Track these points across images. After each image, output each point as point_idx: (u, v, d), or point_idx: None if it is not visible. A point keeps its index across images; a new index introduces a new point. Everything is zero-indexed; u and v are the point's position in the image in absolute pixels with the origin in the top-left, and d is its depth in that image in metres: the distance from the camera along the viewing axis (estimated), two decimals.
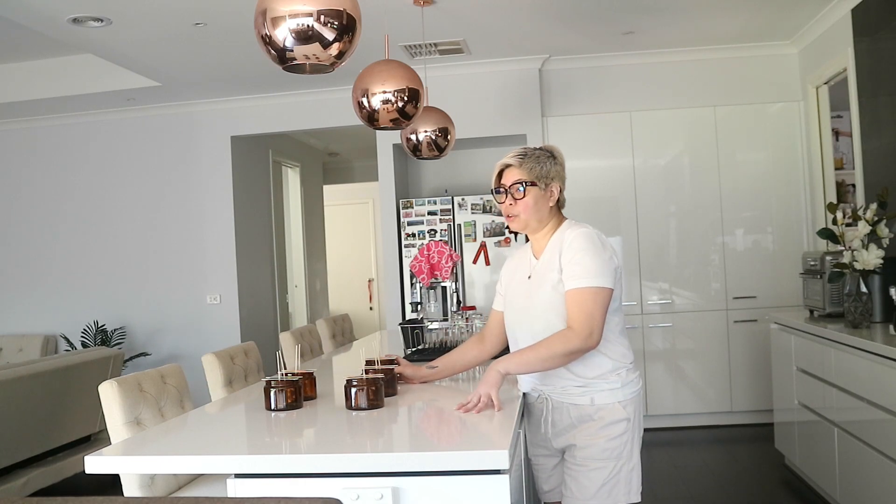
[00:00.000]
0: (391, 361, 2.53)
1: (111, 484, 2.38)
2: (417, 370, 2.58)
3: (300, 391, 2.29)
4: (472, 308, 3.75)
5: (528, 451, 2.39)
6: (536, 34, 4.99)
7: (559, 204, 2.30)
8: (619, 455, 2.15)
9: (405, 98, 3.08)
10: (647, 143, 5.51)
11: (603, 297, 2.11)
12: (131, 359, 6.02)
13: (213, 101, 6.16)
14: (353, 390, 2.19)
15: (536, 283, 2.25)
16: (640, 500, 2.19)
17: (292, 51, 2.16)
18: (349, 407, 2.20)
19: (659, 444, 4.97)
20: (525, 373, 2.22)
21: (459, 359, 2.58)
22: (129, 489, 2.25)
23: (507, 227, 5.68)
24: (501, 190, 2.28)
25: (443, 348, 3.17)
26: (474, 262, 5.69)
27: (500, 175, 2.30)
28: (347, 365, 3.44)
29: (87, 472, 1.83)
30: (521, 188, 2.23)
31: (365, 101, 3.08)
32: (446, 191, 6.16)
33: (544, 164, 2.25)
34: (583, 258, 2.13)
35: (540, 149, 2.30)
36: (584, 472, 2.16)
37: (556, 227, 2.28)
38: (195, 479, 2.48)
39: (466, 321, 3.34)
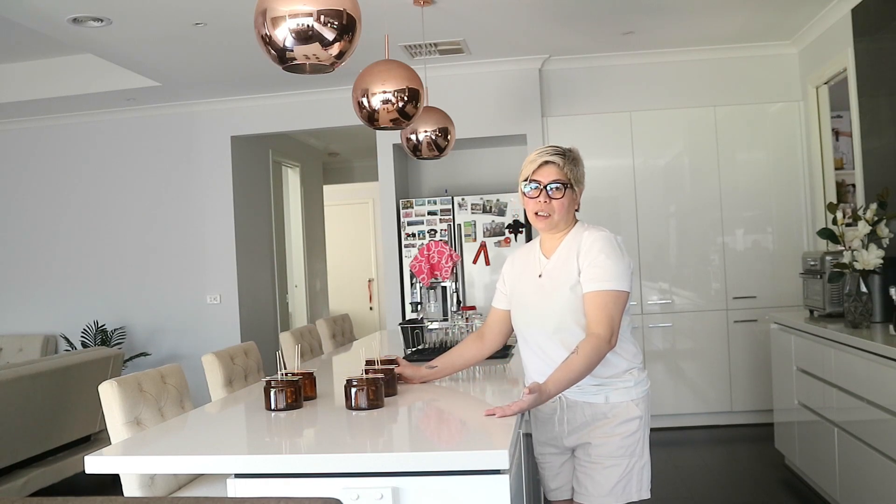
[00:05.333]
0: (391, 361, 2.53)
1: (111, 484, 2.38)
2: (417, 370, 2.58)
3: (300, 391, 2.29)
4: (472, 308, 3.75)
5: (533, 450, 2.39)
6: (536, 34, 4.99)
7: (577, 206, 2.32)
8: (632, 452, 2.19)
9: (405, 98, 3.08)
10: (647, 143, 5.51)
11: (622, 300, 2.15)
12: (131, 359, 6.02)
13: (213, 101, 6.16)
14: (353, 390, 2.19)
15: (549, 282, 2.26)
16: (650, 496, 2.21)
17: (292, 51, 2.16)
18: (349, 407, 2.20)
19: (659, 444, 4.96)
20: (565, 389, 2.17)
21: (459, 358, 2.58)
22: (129, 489, 2.25)
23: (508, 227, 5.74)
24: (535, 185, 2.25)
25: (443, 348, 3.16)
26: (474, 262, 5.69)
27: (534, 170, 2.26)
28: (347, 365, 3.44)
29: (87, 472, 1.83)
30: (561, 189, 2.22)
31: (365, 101, 3.08)
32: (446, 191, 6.16)
33: (578, 168, 2.27)
34: (604, 261, 2.15)
35: (570, 150, 2.29)
36: (599, 469, 2.18)
37: (570, 227, 2.30)
38: (195, 479, 2.48)
39: (466, 321, 3.33)
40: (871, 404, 2.98)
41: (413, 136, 4.04)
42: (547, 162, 2.24)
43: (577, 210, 2.33)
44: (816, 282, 3.95)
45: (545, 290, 2.26)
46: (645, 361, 5.35)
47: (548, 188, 2.23)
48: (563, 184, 2.22)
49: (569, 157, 2.26)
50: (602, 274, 2.14)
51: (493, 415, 1.97)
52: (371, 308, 10.00)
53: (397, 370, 2.50)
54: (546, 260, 2.30)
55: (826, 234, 3.68)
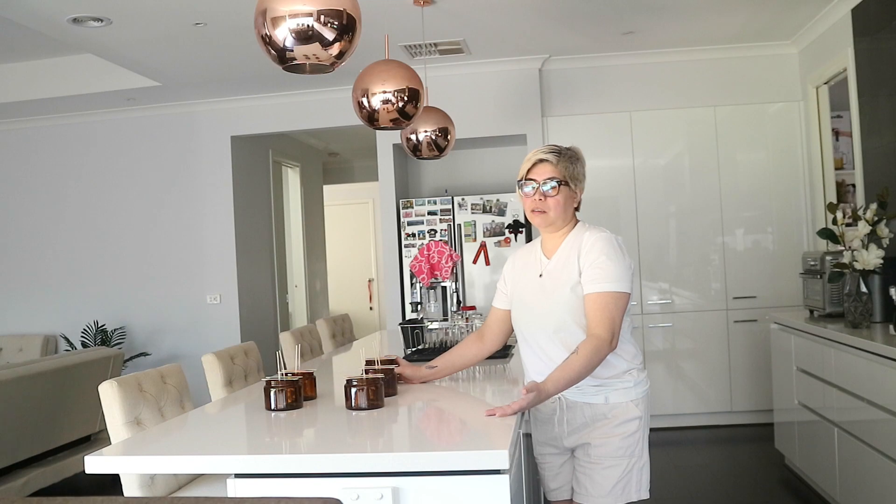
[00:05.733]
0: (391, 361, 2.53)
1: (111, 484, 2.38)
2: (417, 370, 2.58)
3: (300, 391, 2.29)
4: (472, 308, 3.75)
5: (533, 450, 2.39)
6: (536, 34, 4.99)
7: (577, 206, 2.32)
8: (632, 453, 2.19)
9: (405, 98, 3.08)
10: (647, 143, 5.51)
11: (623, 301, 2.15)
12: (131, 359, 6.02)
13: (213, 101, 6.16)
14: (353, 390, 2.19)
15: (550, 282, 2.26)
16: (650, 496, 2.22)
17: (292, 51, 2.16)
18: (349, 407, 2.20)
19: (659, 444, 4.97)
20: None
21: (459, 357, 2.58)
22: (129, 489, 2.25)
23: (508, 227, 5.74)
24: (532, 184, 2.26)
25: (443, 348, 3.16)
26: (474, 262, 5.69)
27: (529, 169, 2.28)
28: (347, 365, 3.44)
29: (87, 472, 1.83)
30: (556, 186, 2.23)
31: (365, 101, 3.08)
32: (446, 191, 6.16)
33: (575, 166, 2.26)
34: (605, 262, 2.16)
35: (568, 149, 2.30)
36: (598, 469, 2.19)
37: (571, 227, 2.30)
38: (195, 479, 2.48)
39: (466, 321, 3.33)
40: (871, 404, 2.98)
41: (413, 136, 4.04)
42: (542, 160, 2.26)
43: (577, 210, 2.33)
44: (816, 282, 3.95)
45: (546, 290, 2.26)
46: (645, 361, 5.36)
47: (542, 186, 2.23)
48: (557, 181, 2.23)
49: (565, 155, 2.26)
50: (603, 275, 2.14)
51: (494, 415, 1.97)
52: (371, 308, 10.00)
53: (397, 370, 2.50)
54: (547, 260, 2.31)
55: (826, 234, 3.68)
